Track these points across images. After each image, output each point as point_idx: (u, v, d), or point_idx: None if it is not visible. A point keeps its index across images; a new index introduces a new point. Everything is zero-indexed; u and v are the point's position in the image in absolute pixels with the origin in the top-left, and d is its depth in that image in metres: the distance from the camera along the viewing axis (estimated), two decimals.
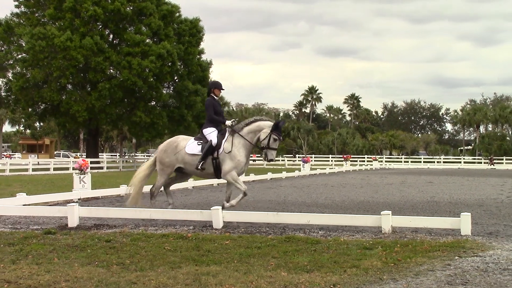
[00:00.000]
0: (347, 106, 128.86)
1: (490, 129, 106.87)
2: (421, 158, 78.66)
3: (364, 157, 78.08)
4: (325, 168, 46.11)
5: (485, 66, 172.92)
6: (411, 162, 73.18)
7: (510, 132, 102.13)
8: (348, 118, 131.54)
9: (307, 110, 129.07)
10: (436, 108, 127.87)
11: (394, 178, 36.36)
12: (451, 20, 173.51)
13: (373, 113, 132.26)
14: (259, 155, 51.50)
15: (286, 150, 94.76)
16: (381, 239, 10.92)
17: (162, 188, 15.21)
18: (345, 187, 27.49)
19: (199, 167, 14.11)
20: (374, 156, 72.77)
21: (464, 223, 11.48)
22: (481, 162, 74.48)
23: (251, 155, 15.15)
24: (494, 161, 69.84)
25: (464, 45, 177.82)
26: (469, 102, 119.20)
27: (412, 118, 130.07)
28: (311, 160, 57.87)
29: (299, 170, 42.13)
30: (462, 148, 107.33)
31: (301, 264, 8.55)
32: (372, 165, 61.08)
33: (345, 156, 63.30)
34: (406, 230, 11.86)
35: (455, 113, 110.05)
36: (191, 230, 12.11)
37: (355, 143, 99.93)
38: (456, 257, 9.15)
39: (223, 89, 15.04)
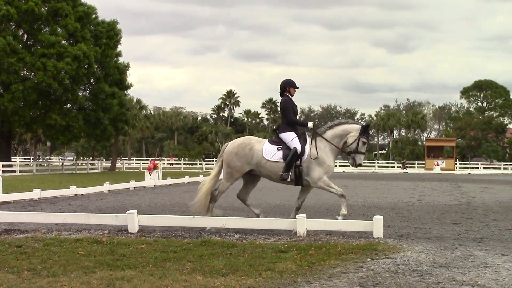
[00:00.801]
0: (265, 110, 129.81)
1: (403, 134, 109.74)
2: (336, 163, 79.90)
3: None
4: None
5: (399, 72, 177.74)
6: None
7: (421, 137, 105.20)
8: (266, 122, 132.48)
9: (225, 114, 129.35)
10: (352, 113, 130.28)
11: None
12: (367, 27, 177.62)
13: None
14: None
15: (204, 154, 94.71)
16: (296, 242, 11.05)
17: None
18: (261, 190, 27.58)
19: (287, 178, 12.89)
20: None
21: (376, 226, 11.77)
22: (394, 166, 76.35)
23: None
24: (407, 165, 71.78)
25: (379, 52, 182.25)
26: (383, 108, 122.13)
27: (328, 122, 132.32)
28: None
29: None
30: (376, 152, 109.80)
31: (217, 268, 8.56)
32: None
33: None
34: (321, 233, 12.06)
35: (370, 118, 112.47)
36: (106, 235, 11.94)
37: None
38: (369, 259, 9.36)
39: (298, 87, 13.62)
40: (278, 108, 13.93)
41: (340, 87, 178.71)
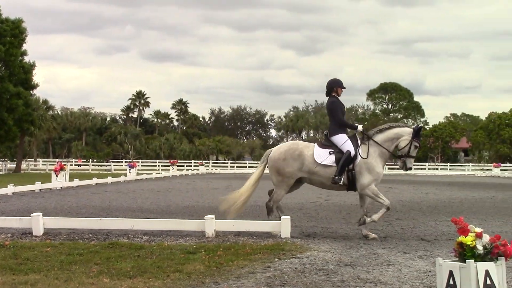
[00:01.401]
0: (175, 111, 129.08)
1: (311, 135, 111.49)
2: (246, 163, 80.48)
3: (191, 162, 78.54)
4: (151, 173, 45.85)
5: (308, 74, 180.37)
6: (237, 167, 74.63)
7: None
8: (175, 123, 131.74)
9: (135, 115, 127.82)
10: (262, 114, 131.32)
11: (220, 183, 36.90)
12: (275, 29, 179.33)
13: (201, 119, 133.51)
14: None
15: (113, 155, 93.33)
16: (204, 243, 11.07)
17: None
18: (171, 192, 27.53)
19: (340, 182, 12.36)
20: (201, 161, 73.37)
21: (284, 226, 11.93)
22: None
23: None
24: None
25: (287, 54, 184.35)
26: (292, 109, 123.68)
27: (239, 124, 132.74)
28: (138, 165, 57.37)
29: (125, 175, 41.60)
30: None
31: (124, 270, 8.47)
32: (198, 170, 61.58)
33: (172, 161, 63.34)
34: (229, 234, 12.13)
35: (279, 119, 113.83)
36: (9, 238, 11.61)
37: (182, 148, 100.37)
38: (276, 259, 9.49)
39: (345, 88, 13.13)
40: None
41: (250, 89, 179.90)
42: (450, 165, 75.50)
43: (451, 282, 5.78)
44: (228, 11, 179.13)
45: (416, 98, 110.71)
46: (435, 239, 12.09)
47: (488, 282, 5.68)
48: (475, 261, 5.69)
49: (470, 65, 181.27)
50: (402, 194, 26.79)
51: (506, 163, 78.16)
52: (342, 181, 12.32)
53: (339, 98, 12.90)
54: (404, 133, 12.74)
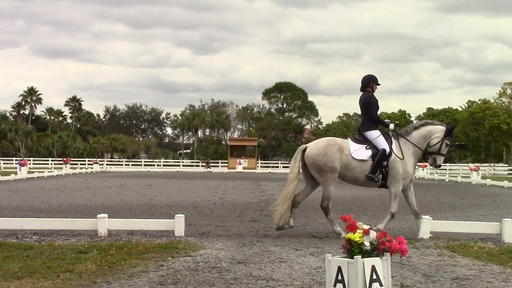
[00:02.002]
0: (69, 109, 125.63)
1: (207, 133, 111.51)
2: (142, 161, 79.65)
3: (85, 160, 76.91)
4: (43, 172, 44.57)
5: (204, 73, 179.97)
6: (132, 165, 73.73)
7: (225, 137, 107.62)
8: (69, 120, 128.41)
9: (26, 112, 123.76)
10: (157, 112, 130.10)
11: (114, 181, 36.36)
12: (172, 27, 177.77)
13: (95, 116, 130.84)
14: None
15: (2, 152, 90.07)
16: (97, 242, 10.90)
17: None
18: (63, 190, 26.86)
19: (375, 178, 12.32)
20: (95, 159, 71.96)
21: (178, 225, 11.91)
22: (198, 165, 77.37)
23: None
24: (210, 164, 73.06)
25: (184, 52, 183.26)
26: (188, 107, 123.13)
27: (134, 121, 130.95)
28: (29, 164, 55.59)
29: (15, 173, 40.22)
30: (181, 151, 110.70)
31: (12, 271, 8.22)
32: (92, 168, 60.37)
33: (65, 159, 61.77)
34: (123, 233, 11.99)
35: (175, 118, 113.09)
36: None
37: (76, 146, 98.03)
38: (169, 258, 9.46)
39: (379, 84, 13.04)
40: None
41: (146, 86, 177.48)
42: None
43: (339, 277, 5.94)
44: (123, 7, 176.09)
45: (310, 98, 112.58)
46: (326, 236, 12.39)
47: (374, 277, 5.88)
48: (363, 257, 5.87)
49: (361, 66, 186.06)
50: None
51: None
52: (379, 177, 12.38)
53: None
54: (437, 130, 12.86)
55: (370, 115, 12.65)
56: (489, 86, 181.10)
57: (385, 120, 12.95)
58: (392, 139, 12.66)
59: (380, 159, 12.29)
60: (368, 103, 12.69)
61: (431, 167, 13.26)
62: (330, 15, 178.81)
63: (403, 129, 13.10)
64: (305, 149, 12.71)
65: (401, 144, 12.62)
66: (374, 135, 12.48)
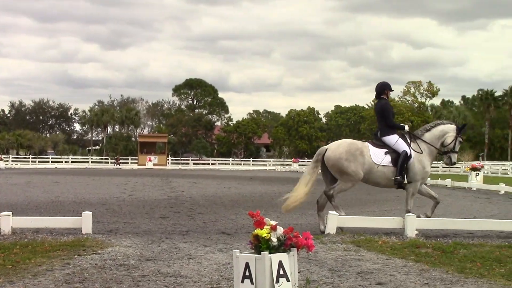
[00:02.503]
0: None
1: (117, 129, 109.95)
2: (49, 158, 77.73)
3: None
4: None
5: (113, 68, 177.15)
6: (39, 162, 71.85)
7: (135, 133, 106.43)
8: None
9: None
10: (65, 108, 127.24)
11: (20, 178, 35.37)
12: (79, 22, 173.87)
13: (0, 112, 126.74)
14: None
15: None
16: (0, 241, 10.58)
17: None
18: None
19: (403, 182, 12.68)
20: (0, 156, 69.76)
21: (85, 222, 11.70)
22: (108, 162, 76.24)
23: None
24: (120, 160, 72.13)
25: (92, 47, 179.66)
26: (97, 103, 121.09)
27: (41, 117, 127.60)
28: None
29: None
30: (90, 148, 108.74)
31: None
32: None
33: None
34: (28, 231, 11.66)
35: (84, 114, 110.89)
36: None
37: None
38: (76, 256, 9.29)
39: (393, 90, 13.66)
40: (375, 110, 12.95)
41: (53, 81, 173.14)
42: (252, 160, 78.03)
43: (247, 273, 5.99)
44: (29, 0, 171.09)
45: (220, 95, 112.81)
46: (235, 232, 12.45)
47: (281, 272, 5.95)
48: (270, 252, 5.93)
49: (271, 64, 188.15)
50: (205, 189, 27.24)
51: (304, 158, 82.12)
52: (403, 180, 12.71)
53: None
54: (449, 129, 13.35)
55: (388, 121, 13.04)
56: (394, 85, 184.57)
57: (400, 124, 13.55)
58: (409, 141, 13.08)
59: (403, 161, 12.70)
60: (386, 110, 13.10)
61: (447, 165, 13.83)
62: (239, 12, 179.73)
63: (417, 131, 13.60)
64: (325, 151, 12.95)
65: (418, 145, 13.10)
66: (393, 139, 12.89)
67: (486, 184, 30.36)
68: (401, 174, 12.69)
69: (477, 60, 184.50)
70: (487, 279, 8.14)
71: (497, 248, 10.59)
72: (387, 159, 12.72)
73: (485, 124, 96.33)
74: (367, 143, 13.13)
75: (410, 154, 12.80)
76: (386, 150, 12.81)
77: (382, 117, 13.12)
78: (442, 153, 13.61)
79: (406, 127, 13.35)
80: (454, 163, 13.68)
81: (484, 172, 36.04)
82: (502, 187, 26.81)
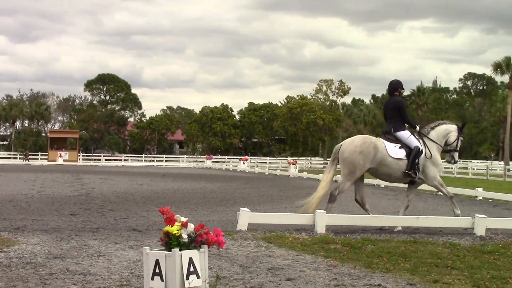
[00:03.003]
0: None
1: (26, 124, 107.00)
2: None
3: None
4: None
5: (22, 62, 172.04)
6: None
7: (45, 129, 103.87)
8: None
9: None
10: None
11: None
12: None
13: None
14: None
15: None
16: None
17: None
18: None
19: (415, 176, 13.26)
20: None
21: None
22: (16, 158, 74.15)
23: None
24: (30, 156, 70.23)
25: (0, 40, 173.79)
26: (5, 97, 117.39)
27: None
28: None
29: None
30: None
31: None
32: None
33: None
34: None
35: None
36: None
37: None
38: None
39: (404, 89, 14.69)
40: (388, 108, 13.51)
41: None
42: (165, 157, 77.48)
43: (157, 270, 5.96)
44: None
45: (133, 90, 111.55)
46: (146, 229, 12.35)
47: (192, 269, 5.95)
48: (180, 249, 5.92)
49: (185, 60, 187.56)
50: (117, 185, 26.90)
51: (218, 155, 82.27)
52: (418, 175, 13.34)
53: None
54: (451, 129, 13.99)
55: (404, 117, 13.67)
56: (306, 83, 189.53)
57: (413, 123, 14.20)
58: (418, 138, 13.67)
59: (415, 156, 13.24)
60: (402, 107, 13.77)
61: (449, 163, 14.71)
62: (153, 8, 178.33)
63: (422, 130, 14.15)
64: (340, 147, 13.49)
65: (426, 142, 13.66)
66: (406, 135, 13.48)
67: None
68: (413, 168, 13.26)
69: (387, 60, 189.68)
70: (393, 273, 8.39)
71: (403, 244, 10.93)
72: (402, 153, 13.28)
73: None
74: (380, 138, 13.72)
75: (422, 149, 13.41)
76: (399, 144, 13.37)
77: (398, 113, 13.66)
78: (445, 151, 14.18)
79: (417, 127, 14.14)
80: (456, 162, 14.55)
81: None
82: None
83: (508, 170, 44.34)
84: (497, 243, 11.44)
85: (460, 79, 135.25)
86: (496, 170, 48.46)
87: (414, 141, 13.41)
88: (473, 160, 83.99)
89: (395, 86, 13.97)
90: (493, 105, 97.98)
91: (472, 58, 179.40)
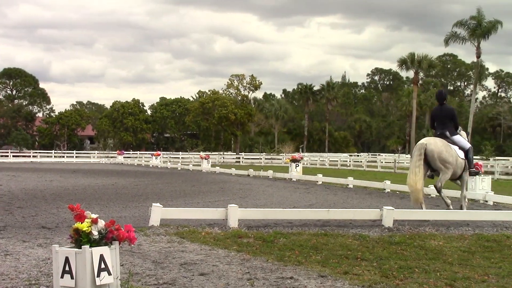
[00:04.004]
0: None
1: None
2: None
3: None
4: None
5: None
6: None
7: None
8: None
9: None
10: None
11: None
12: None
13: None
14: None
15: None
16: None
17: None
18: None
19: (474, 172, 16.04)
20: None
21: None
22: None
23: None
24: None
25: None
26: None
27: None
28: None
29: None
30: None
31: None
32: None
33: None
34: None
35: None
36: None
37: None
38: None
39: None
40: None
41: None
42: (76, 153, 75.95)
43: (67, 268, 5.85)
44: None
45: (41, 85, 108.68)
46: (56, 227, 12.08)
47: (103, 266, 5.87)
48: (91, 246, 5.83)
49: (94, 54, 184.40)
50: (25, 182, 26.18)
51: (130, 151, 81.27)
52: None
53: None
54: (464, 135, 15.71)
55: (456, 123, 15.50)
56: (217, 78, 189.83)
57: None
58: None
59: (472, 155, 15.45)
60: (455, 114, 15.60)
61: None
62: (61, 1, 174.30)
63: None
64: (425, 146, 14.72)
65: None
66: (460, 138, 15.31)
67: (305, 175, 31.66)
68: (472, 166, 15.41)
69: (296, 55, 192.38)
70: (305, 266, 8.54)
71: (314, 236, 11.13)
72: (462, 154, 15.09)
73: (305, 117, 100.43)
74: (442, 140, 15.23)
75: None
76: (456, 146, 15.05)
77: (453, 119, 15.38)
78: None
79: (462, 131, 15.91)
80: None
81: (303, 164, 37.49)
82: (320, 178, 28.20)
83: None
84: (404, 234, 11.80)
85: (368, 74, 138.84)
86: (403, 163, 49.73)
87: (466, 143, 15.36)
88: (381, 154, 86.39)
89: (444, 96, 15.58)
90: (400, 100, 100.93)
91: (379, 54, 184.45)
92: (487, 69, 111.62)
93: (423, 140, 14.97)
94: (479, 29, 61.20)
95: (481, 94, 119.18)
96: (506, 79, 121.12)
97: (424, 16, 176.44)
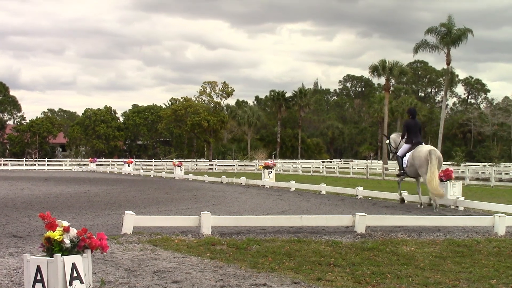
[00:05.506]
0: None
1: None
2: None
3: None
4: None
5: None
6: None
7: None
8: None
9: None
10: None
11: None
12: None
13: None
14: None
15: None
16: None
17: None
18: None
19: None
20: None
21: None
22: None
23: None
24: None
25: None
26: None
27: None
28: None
29: None
30: None
31: None
32: None
33: None
34: None
35: None
36: None
37: None
38: None
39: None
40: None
41: None
42: (48, 160, 75.27)
43: (38, 277, 5.82)
44: None
45: (12, 93, 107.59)
46: (27, 235, 11.96)
47: (75, 274, 5.85)
48: (63, 255, 5.81)
49: (65, 61, 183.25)
50: None
51: (102, 158, 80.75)
52: None
53: None
54: None
55: (421, 134, 19.82)
56: (190, 85, 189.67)
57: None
58: None
59: None
60: (421, 128, 19.89)
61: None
62: (30, 7, 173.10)
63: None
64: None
65: None
66: None
67: (278, 181, 31.71)
68: None
69: (268, 62, 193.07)
70: (278, 272, 8.56)
71: (287, 243, 11.15)
72: None
73: (277, 123, 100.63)
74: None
75: None
76: None
77: (420, 131, 19.54)
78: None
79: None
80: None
81: (276, 170, 37.55)
82: (293, 184, 28.25)
83: (386, 169, 46.01)
84: (377, 240, 11.88)
85: (340, 81, 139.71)
86: (376, 169, 50.12)
87: None
88: (354, 160, 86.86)
89: (416, 112, 20.35)
90: (371, 106, 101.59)
91: (350, 61, 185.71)
92: (457, 75, 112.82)
93: (429, 147, 18.71)
94: (449, 36, 61.92)
95: (451, 101, 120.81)
96: (476, 86, 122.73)
97: (393, 23, 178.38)
